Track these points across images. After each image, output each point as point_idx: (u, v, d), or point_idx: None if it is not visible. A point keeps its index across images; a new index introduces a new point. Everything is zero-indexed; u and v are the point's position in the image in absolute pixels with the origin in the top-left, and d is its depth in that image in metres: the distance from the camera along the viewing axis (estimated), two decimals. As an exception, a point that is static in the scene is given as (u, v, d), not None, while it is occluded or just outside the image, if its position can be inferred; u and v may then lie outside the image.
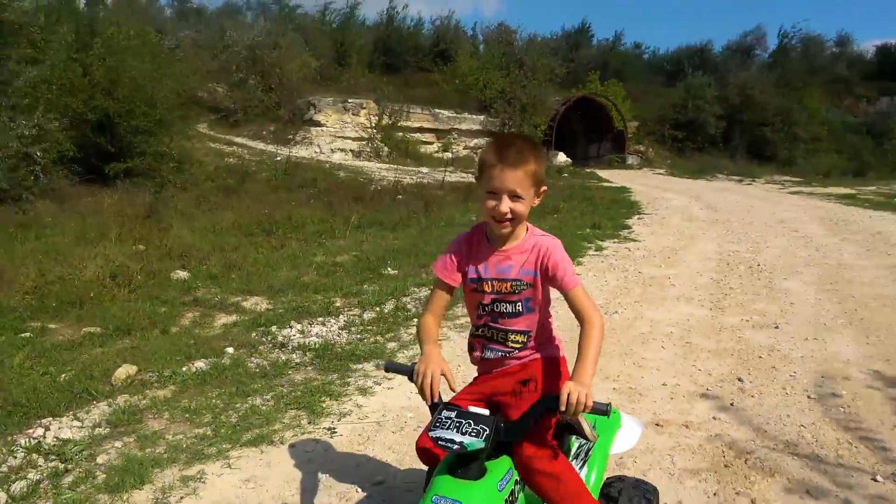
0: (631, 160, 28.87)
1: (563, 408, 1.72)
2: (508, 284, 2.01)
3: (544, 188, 1.99)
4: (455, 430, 1.73)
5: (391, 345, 4.97)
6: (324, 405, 3.77)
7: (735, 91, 29.06)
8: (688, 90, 29.35)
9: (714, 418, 3.68)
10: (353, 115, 24.62)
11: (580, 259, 8.51)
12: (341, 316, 5.78)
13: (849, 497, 2.89)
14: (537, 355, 2.10)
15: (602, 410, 1.74)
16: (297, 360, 4.57)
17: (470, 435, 1.71)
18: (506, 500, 1.80)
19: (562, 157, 27.44)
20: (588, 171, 25.74)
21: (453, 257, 2.07)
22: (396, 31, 32.23)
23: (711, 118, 28.69)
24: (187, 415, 3.64)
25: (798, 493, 2.91)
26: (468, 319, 2.20)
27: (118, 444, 3.29)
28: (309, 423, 3.56)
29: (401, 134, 25.24)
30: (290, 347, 4.86)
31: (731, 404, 3.87)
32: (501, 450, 1.87)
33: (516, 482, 1.88)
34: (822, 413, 3.77)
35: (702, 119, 28.77)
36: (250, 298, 6.34)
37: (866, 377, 4.37)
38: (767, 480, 3.00)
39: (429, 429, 1.77)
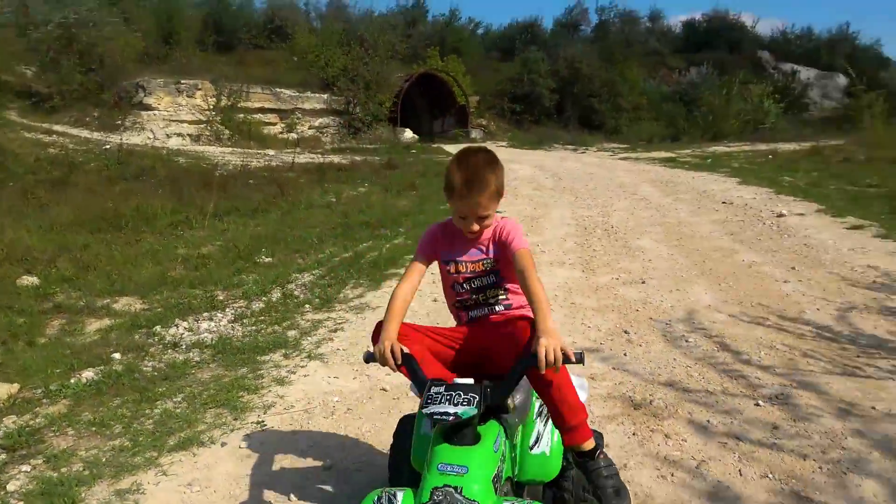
0: (474, 134, 29.72)
1: (541, 366, 1.89)
2: (480, 264, 2.34)
3: (502, 195, 2.28)
4: (447, 402, 1.86)
5: (291, 333, 4.90)
6: (244, 400, 3.69)
7: (565, 65, 30.75)
8: (523, 64, 30.65)
9: (613, 369, 4.05)
10: (188, 96, 23.14)
11: (451, 233, 8.75)
12: (228, 309, 5.58)
13: (739, 420, 3.33)
14: (516, 312, 2.37)
15: (578, 359, 1.92)
16: (197, 359, 4.39)
17: (462, 405, 1.85)
18: (500, 459, 1.95)
19: (409, 134, 27.67)
20: (435, 146, 26.16)
21: (429, 244, 2.41)
22: (226, 7, 30.60)
23: (546, 91, 30.18)
24: (94, 428, 3.41)
25: (701, 424, 3.31)
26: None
27: (25, 468, 3.03)
28: (234, 419, 3.47)
29: (242, 115, 24.16)
30: (183, 346, 4.65)
31: (624, 354, 4.28)
32: (489, 416, 2.01)
33: (504, 443, 2.02)
34: (701, 354, 4.28)
35: (537, 92, 30.17)
36: (120, 300, 5.92)
37: (728, 318, 4.99)
38: (674, 417, 3.39)
39: (421, 406, 1.90)
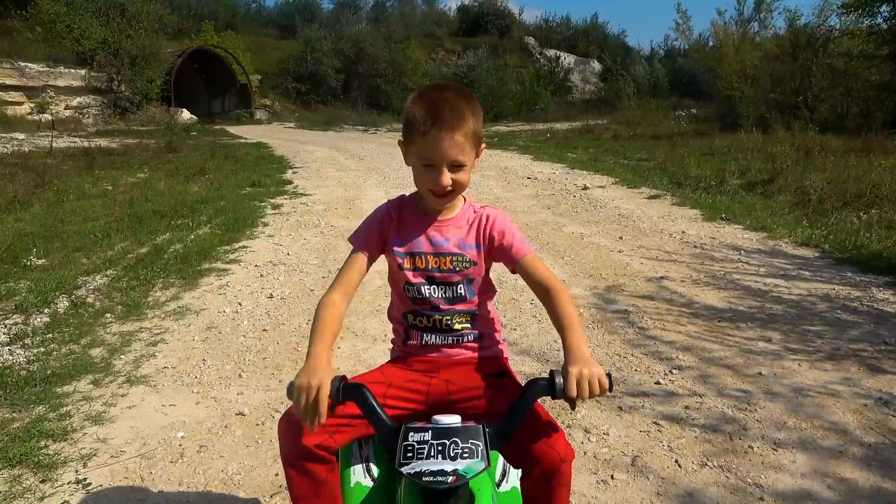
0: (259, 115, 28.12)
1: (573, 393, 1.36)
2: (448, 260, 1.68)
3: (483, 146, 1.67)
4: (440, 456, 1.32)
5: (95, 351, 3.89)
6: (49, 452, 2.73)
7: (350, 44, 30.17)
8: (306, 43, 29.57)
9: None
10: None
11: (263, 220, 7.91)
12: (1, 325, 4.36)
13: (650, 403, 3.16)
14: (488, 352, 1.76)
15: (610, 387, 1.41)
16: (-36, 401, 3.28)
17: (464, 457, 1.32)
18: None
19: (186, 115, 25.34)
20: (217, 127, 24.31)
21: (377, 226, 1.72)
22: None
23: (331, 71, 29.43)
24: None
25: (612, 410, 3.08)
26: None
27: None
28: (42, 481, 2.53)
29: (-24, 94, 20.46)
30: (-61, 385, 3.47)
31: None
32: None
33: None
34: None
35: (322, 72, 29.32)
36: None
37: (586, 291, 4.90)
38: (583, 406, 3.11)
39: (398, 464, 1.33)
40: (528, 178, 11.14)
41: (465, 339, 1.73)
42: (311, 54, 29.36)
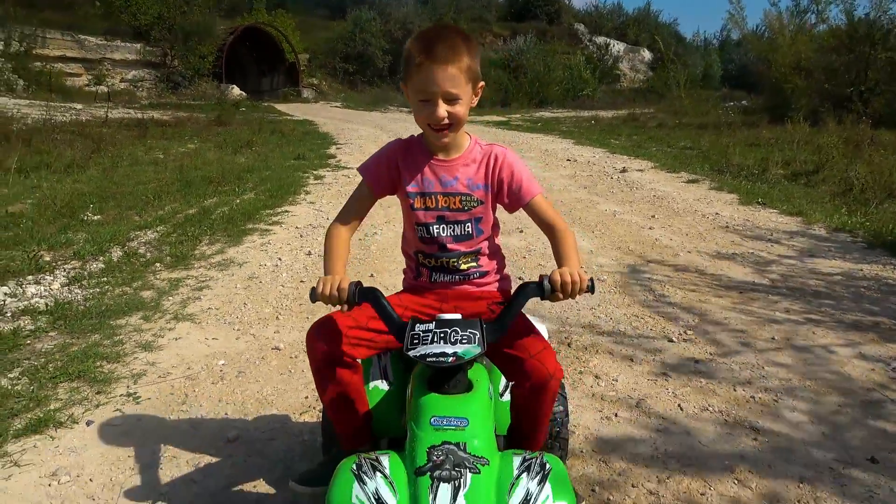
0: (306, 93, 28.57)
1: (558, 288, 1.56)
2: (457, 199, 1.78)
3: (482, 84, 1.74)
4: (441, 341, 1.50)
5: (146, 293, 4.19)
6: (104, 370, 3.02)
7: (398, 26, 30.33)
8: (355, 23, 29.81)
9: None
10: (-35, 40, 19.91)
11: (305, 189, 8.19)
12: (57, 271, 4.69)
13: (661, 358, 3.29)
14: (491, 288, 1.89)
15: (591, 288, 1.60)
16: (30, 328, 3.58)
17: (461, 343, 1.49)
18: (492, 409, 1.64)
19: (236, 91, 25.94)
20: (265, 104, 24.81)
21: (385, 163, 1.81)
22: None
23: (379, 52, 29.66)
24: None
25: (626, 363, 3.23)
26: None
27: None
28: (97, 393, 2.82)
29: (39, 64, 21.22)
30: (8, 315, 3.79)
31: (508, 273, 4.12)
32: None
33: (491, 390, 1.71)
34: (599, 297, 4.23)
35: (370, 52, 29.59)
36: None
37: (611, 261, 5.02)
38: (596, 357, 3.27)
39: (406, 349, 1.51)
40: (568, 160, 11.20)
41: (471, 277, 1.85)
42: (359, 35, 29.64)
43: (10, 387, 2.86)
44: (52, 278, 4.55)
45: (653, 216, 6.68)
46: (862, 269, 4.90)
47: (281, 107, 24.30)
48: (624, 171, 9.75)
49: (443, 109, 1.65)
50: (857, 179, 8.30)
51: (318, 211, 6.83)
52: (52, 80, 21.00)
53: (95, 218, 6.45)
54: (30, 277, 4.54)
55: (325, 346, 1.70)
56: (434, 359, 1.47)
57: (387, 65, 30.35)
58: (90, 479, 2.24)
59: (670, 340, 3.49)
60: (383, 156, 1.82)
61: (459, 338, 1.50)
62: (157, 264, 4.89)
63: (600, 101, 30.92)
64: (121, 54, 24.82)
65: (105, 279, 4.53)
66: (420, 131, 1.80)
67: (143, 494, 2.19)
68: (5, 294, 4.18)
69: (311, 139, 14.44)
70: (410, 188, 1.78)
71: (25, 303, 4.00)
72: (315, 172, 9.56)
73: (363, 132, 16.39)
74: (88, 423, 2.58)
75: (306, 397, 2.81)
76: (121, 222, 6.22)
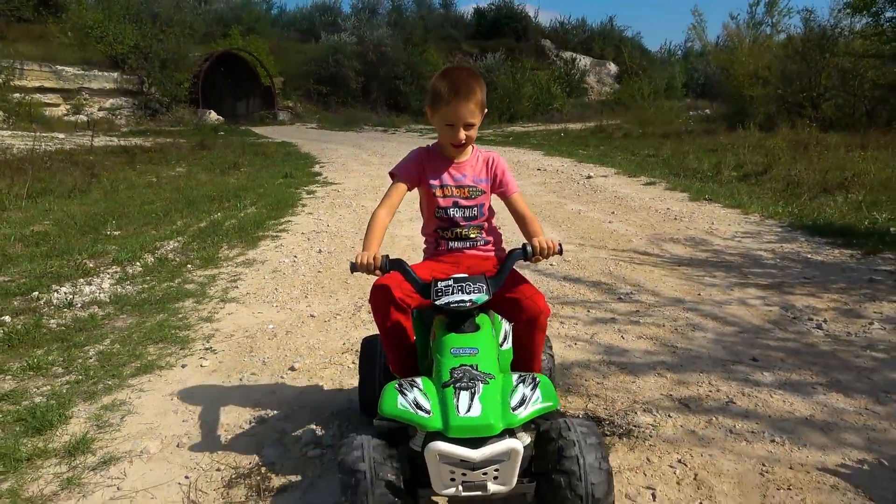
0: (282, 116, 29.34)
1: (538, 252, 2.18)
2: (466, 190, 2.42)
3: (485, 111, 2.35)
4: (459, 292, 2.07)
5: (189, 286, 5.01)
6: (180, 336, 3.86)
7: (371, 48, 31.31)
8: (333, 47, 30.66)
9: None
10: (-59, 75, 20.35)
11: (301, 203, 9.01)
12: (103, 275, 5.48)
13: (609, 310, 4.21)
14: (492, 253, 2.52)
15: (560, 251, 2.21)
16: (103, 313, 4.39)
17: (474, 292, 2.07)
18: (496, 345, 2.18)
19: (213, 116, 26.63)
20: (243, 128, 25.50)
21: (415, 166, 2.43)
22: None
23: (352, 73, 30.56)
24: (32, 372, 3.41)
25: (584, 313, 4.15)
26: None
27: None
28: (181, 349, 3.67)
29: (18, 95, 21.72)
30: (78, 305, 4.59)
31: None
32: (479, 310, 2.19)
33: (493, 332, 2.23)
34: (564, 272, 5.15)
35: (343, 74, 30.48)
36: (-32, 276, 5.53)
37: (576, 248, 5.98)
38: (562, 310, 4.20)
39: (433, 300, 2.08)
40: (538, 169, 12.19)
41: (478, 243, 2.46)
42: (332, 57, 30.54)
43: (108, 350, 3.68)
44: (100, 280, 5.33)
45: (612, 213, 7.67)
46: (781, 247, 5.90)
47: (258, 130, 25.02)
48: (589, 177, 10.75)
49: (462, 134, 2.30)
50: (797, 178, 9.34)
51: (318, 220, 7.68)
52: (31, 110, 21.44)
53: (116, 233, 7.22)
54: (81, 280, 5.32)
55: (384, 294, 2.20)
56: (456, 304, 2.04)
57: (360, 86, 31.27)
58: (197, 396, 3.08)
59: (620, 299, 4.44)
60: (412, 161, 2.44)
61: (473, 288, 2.07)
62: (189, 266, 5.70)
63: (569, 114, 31.86)
64: (98, 83, 25.26)
65: (148, 278, 5.34)
66: (433, 142, 2.52)
67: (240, 402, 3.06)
68: (67, 292, 4.96)
69: (293, 159, 15.17)
70: (433, 182, 2.41)
71: (88, 297, 4.79)
72: (306, 188, 10.38)
73: (342, 151, 17.21)
74: (183, 366, 3.43)
75: (343, 343, 3.71)
76: (141, 235, 7.00)
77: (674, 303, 4.35)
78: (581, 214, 7.61)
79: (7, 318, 4.33)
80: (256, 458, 2.52)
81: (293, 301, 4.56)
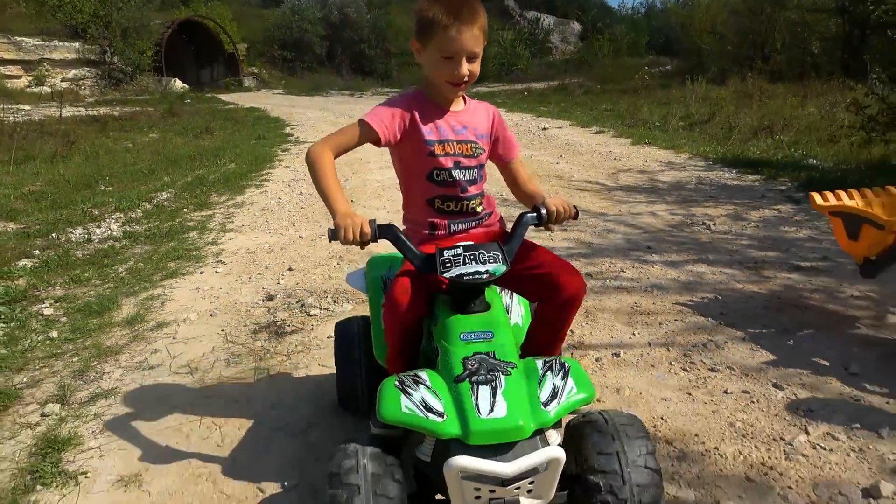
0: (248, 82, 29.51)
1: (553, 217, 1.84)
2: (469, 146, 1.91)
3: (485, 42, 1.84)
4: (473, 262, 1.69)
5: (190, 223, 5.79)
6: (193, 255, 4.68)
7: (334, 11, 31.48)
8: (293, 11, 30.76)
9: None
10: None
11: (278, 158, 9.72)
12: (109, 219, 6.21)
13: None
14: (499, 225, 2.10)
15: (576, 215, 1.91)
16: (120, 245, 5.15)
17: (490, 262, 1.70)
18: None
19: (178, 84, 26.77)
20: (210, 95, 25.67)
21: (400, 115, 1.84)
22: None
23: (316, 38, 30.76)
24: (75, 283, 4.19)
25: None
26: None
27: (45, 307, 3.81)
28: (196, 262, 4.49)
29: (-22, 68, 21.69)
30: (96, 241, 5.34)
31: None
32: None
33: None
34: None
35: (307, 39, 30.66)
36: (-14, 224, 6.21)
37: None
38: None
39: (440, 272, 1.69)
40: (497, 123, 12.96)
41: (483, 219, 2.00)
42: (295, 22, 30.65)
43: (135, 267, 4.48)
44: (107, 223, 6.07)
45: (561, 156, 8.58)
46: (699, 176, 6.88)
47: (225, 97, 25.24)
48: (545, 129, 11.61)
49: (465, 68, 1.76)
50: (735, 124, 10.25)
51: (296, 171, 8.45)
52: (-7, 82, 21.42)
53: (109, 188, 7.90)
54: (91, 224, 6.05)
55: (399, 314, 1.73)
56: (471, 277, 1.65)
57: (324, 50, 31.49)
58: (220, 288, 3.94)
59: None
60: (397, 108, 1.84)
61: (488, 258, 1.70)
62: (185, 210, 6.45)
63: (533, 73, 32.33)
64: (59, 54, 25.07)
65: (151, 219, 6.09)
66: (414, 87, 1.98)
67: (253, 290, 3.93)
68: (82, 233, 5.70)
69: (264, 123, 15.66)
70: (429, 136, 1.85)
71: (103, 235, 5.54)
72: (281, 147, 11.07)
73: (311, 114, 17.75)
74: (201, 272, 4.28)
75: (328, 254, 4.58)
76: (134, 189, 7.69)
77: (596, 216, 5.30)
78: (533, 158, 8.49)
79: (37, 252, 5.08)
80: (272, 317, 3.40)
81: (283, 228, 5.39)
